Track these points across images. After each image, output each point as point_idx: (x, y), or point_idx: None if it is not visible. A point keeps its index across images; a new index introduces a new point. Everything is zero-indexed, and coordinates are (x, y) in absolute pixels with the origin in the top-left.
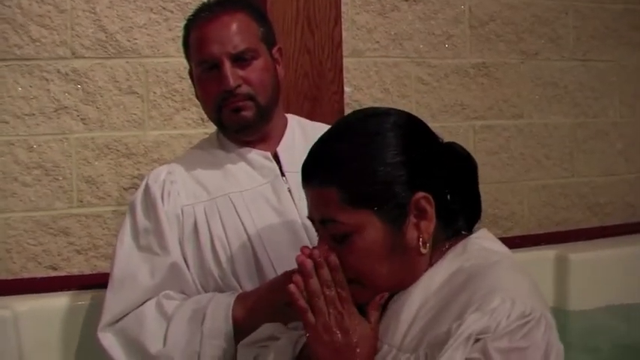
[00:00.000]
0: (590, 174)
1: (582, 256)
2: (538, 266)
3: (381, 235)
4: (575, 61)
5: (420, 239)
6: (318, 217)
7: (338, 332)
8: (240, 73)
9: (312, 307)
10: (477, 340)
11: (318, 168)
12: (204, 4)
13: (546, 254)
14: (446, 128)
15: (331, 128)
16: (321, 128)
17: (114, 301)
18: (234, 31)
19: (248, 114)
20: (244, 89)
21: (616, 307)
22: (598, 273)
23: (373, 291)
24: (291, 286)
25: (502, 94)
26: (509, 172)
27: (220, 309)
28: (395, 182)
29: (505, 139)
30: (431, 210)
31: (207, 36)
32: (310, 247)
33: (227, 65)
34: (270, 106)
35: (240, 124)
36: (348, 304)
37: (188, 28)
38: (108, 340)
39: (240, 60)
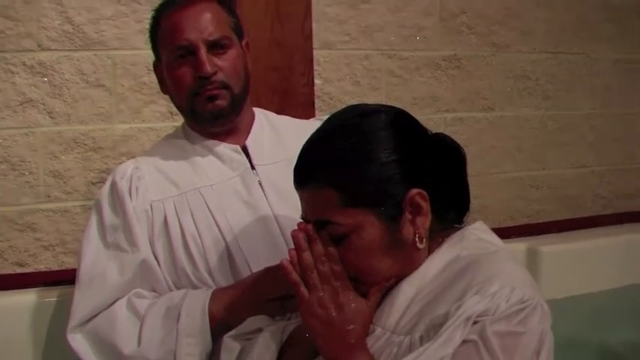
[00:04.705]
0: (560, 166)
1: (553, 248)
2: None
3: (379, 234)
4: (547, 53)
5: (417, 235)
6: (314, 219)
7: (332, 307)
8: (216, 60)
9: (305, 282)
10: (474, 323)
11: (312, 170)
12: None
13: (517, 247)
14: None
15: (322, 128)
16: (288, 121)
17: (82, 301)
18: (209, 19)
19: (222, 102)
20: (220, 76)
21: (586, 297)
22: (569, 265)
23: (372, 286)
24: (284, 261)
25: (473, 87)
26: (480, 165)
27: (196, 306)
28: (390, 181)
29: (476, 132)
30: (426, 205)
31: (183, 23)
32: (284, 239)
33: (203, 51)
34: (242, 96)
35: (214, 112)
36: (342, 280)
37: (158, 18)
38: (78, 341)
39: (216, 47)
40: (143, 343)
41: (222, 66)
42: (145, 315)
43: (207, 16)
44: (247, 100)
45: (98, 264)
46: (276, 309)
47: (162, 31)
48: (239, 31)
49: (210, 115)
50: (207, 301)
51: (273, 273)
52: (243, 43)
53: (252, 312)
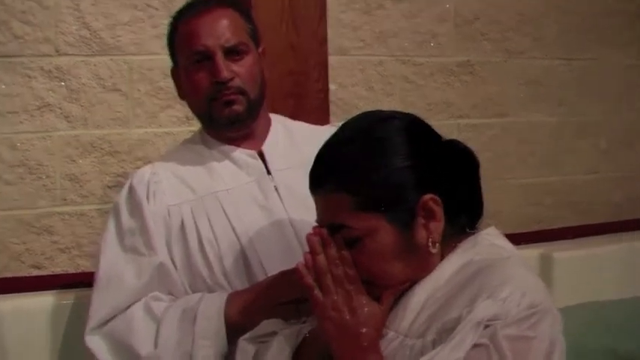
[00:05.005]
0: (573, 172)
1: (566, 254)
2: None
3: (392, 238)
4: (559, 59)
5: (430, 240)
6: (328, 223)
7: (345, 310)
8: (232, 66)
9: (319, 285)
10: (486, 327)
11: (327, 174)
12: (191, 1)
13: (531, 253)
14: None
15: (338, 133)
16: (304, 127)
17: (100, 303)
18: (226, 26)
19: (239, 108)
20: (236, 82)
21: (599, 305)
22: (582, 272)
23: (385, 290)
24: (299, 264)
25: (486, 93)
26: (494, 171)
27: (212, 308)
28: (404, 186)
29: (489, 138)
30: (439, 210)
31: (200, 29)
32: (299, 243)
33: (220, 57)
34: (258, 102)
35: (231, 117)
36: (355, 284)
37: (175, 24)
38: (95, 343)
39: (233, 54)
40: (160, 345)
41: (238, 72)
42: (161, 317)
43: (224, 23)
44: (263, 105)
45: (116, 267)
46: (290, 312)
47: (180, 37)
48: (256, 38)
49: (227, 120)
50: (223, 304)
51: (288, 276)
52: (260, 49)
53: (267, 315)
